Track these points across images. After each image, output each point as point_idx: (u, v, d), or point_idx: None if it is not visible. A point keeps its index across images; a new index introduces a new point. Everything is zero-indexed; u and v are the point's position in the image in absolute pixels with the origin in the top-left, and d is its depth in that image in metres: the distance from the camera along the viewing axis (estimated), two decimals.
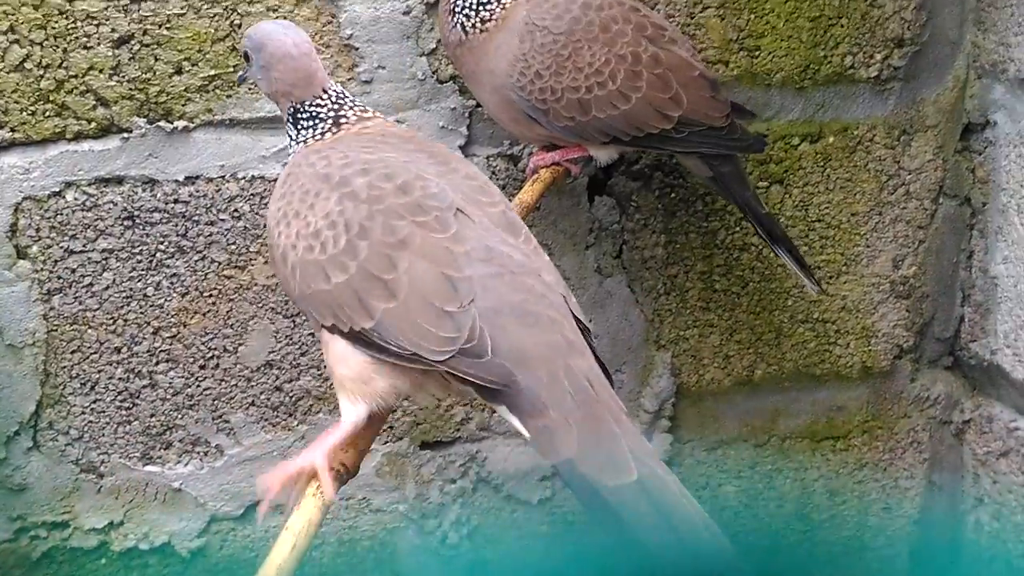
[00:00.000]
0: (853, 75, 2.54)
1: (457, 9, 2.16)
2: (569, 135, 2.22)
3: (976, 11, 2.56)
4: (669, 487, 1.57)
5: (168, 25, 2.23)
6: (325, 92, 1.88)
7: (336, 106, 1.88)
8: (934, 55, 2.58)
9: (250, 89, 2.25)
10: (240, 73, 1.98)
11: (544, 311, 1.69)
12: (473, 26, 2.16)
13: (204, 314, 2.35)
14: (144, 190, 2.27)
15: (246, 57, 1.91)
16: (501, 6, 2.16)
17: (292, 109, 1.88)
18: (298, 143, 1.88)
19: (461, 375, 1.65)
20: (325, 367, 2.38)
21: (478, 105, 2.37)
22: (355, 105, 1.90)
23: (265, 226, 2.14)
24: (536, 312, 1.68)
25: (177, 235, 2.31)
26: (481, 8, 2.16)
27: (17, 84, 2.18)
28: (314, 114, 1.87)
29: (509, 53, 2.15)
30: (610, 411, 1.64)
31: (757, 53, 2.48)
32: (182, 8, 2.22)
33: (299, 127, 1.88)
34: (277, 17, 2.25)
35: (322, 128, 1.87)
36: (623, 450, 1.59)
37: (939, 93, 2.60)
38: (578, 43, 2.14)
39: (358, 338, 1.70)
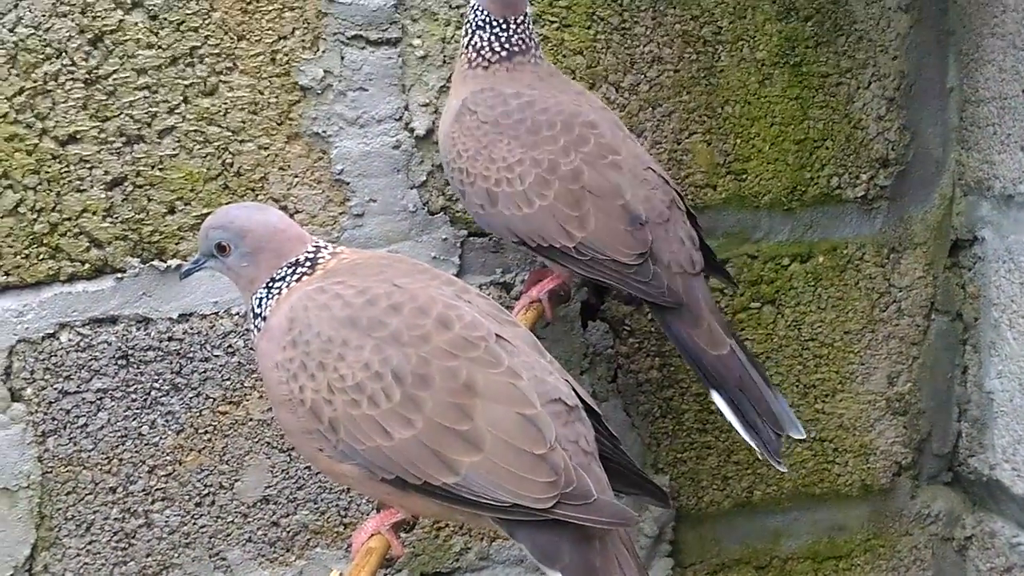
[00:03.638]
0: (840, 195, 2.57)
1: (475, 41, 2.17)
2: (482, 224, 2.20)
3: (959, 130, 2.59)
4: None
5: (160, 166, 2.25)
6: (313, 243, 1.81)
7: (315, 249, 1.80)
8: (919, 174, 2.61)
9: None
10: (191, 267, 1.87)
11: (592, 465, 1.67)
12: (481, 57, 2.17)
13: (199, 451, 2.34)
14: (138, 329, 2.28)
15: (221, 249, 1.79)
16: (487, 58, 2.17)
17: (276, 273, 1.78)
18: (270, 297, 1.77)
19: (568, 520, 1.60)
20: (322, 500, 2.38)
21: (470, 235, 2.39)
22: (327, 244, 1.82)
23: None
24: (586, 466, 1.66)
25: (171, 372, 2.30)
26: (485, 47, 2.16)
27: (11, 228, 2.20)
28: (296, 261, 1.78)
29: (446, 124, 2.17)
30: None
31: (744, 176, 2.51)
32: (174, 149, 2.24)
33: (276, 281, 1.77)
34: (268, 156, 2.28)
35: (300, 271, 1.77)
36: None
37: (926, 211, 2.63)
38: (499, 135, 2.12)
39: (432, 492, 1.64)
